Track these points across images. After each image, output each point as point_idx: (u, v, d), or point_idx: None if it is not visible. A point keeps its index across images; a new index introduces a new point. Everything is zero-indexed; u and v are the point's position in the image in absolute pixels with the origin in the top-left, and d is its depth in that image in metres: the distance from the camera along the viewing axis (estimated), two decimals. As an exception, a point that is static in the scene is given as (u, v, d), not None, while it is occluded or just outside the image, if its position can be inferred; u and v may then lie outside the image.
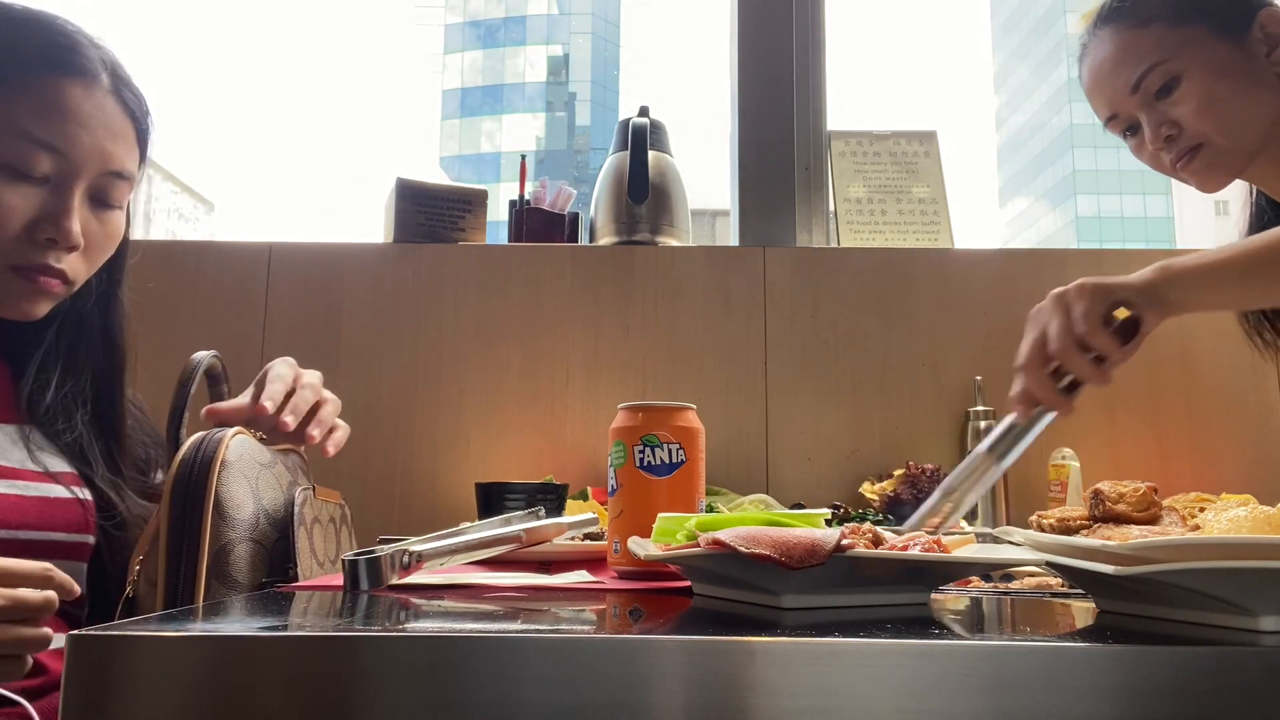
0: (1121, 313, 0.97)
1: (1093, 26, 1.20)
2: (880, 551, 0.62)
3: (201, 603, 0.75)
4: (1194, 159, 1.14)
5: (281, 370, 0.99)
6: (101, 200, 0.94)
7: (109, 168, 0.93)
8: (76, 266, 0.93)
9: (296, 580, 0.80)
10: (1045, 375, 0.96)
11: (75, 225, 0.90)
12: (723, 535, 0.59)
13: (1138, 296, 0.97)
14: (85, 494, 0.93)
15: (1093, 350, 0.94)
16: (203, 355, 0.94)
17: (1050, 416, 0.96)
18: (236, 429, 0.84)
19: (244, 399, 0.96)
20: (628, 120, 1.83)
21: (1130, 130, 1.21)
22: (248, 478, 0.81)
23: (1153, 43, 1.13)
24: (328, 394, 1.04)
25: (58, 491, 0.91)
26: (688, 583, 0.71)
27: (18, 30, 0.90)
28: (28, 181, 0.88)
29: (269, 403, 0.94)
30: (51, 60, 0.89)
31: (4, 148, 0.87)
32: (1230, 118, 1.11)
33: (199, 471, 0.78)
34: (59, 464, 0.94)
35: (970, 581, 0.79)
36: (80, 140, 0.90)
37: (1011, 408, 0.97)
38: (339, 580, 0.71)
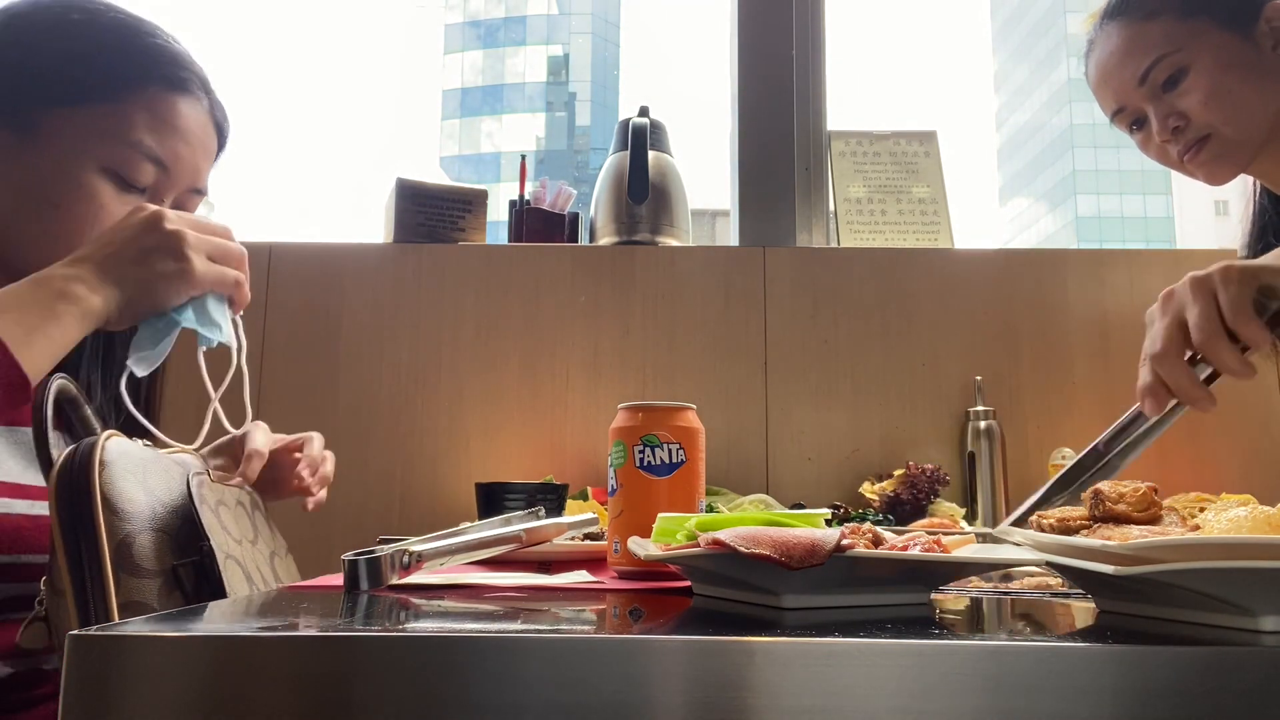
0: None
1: (1100, 21, 1.20)
2: (880, 551, 0.62)
3: (115, 597, 0.73)
4: (1201, 151, 1.14)
5: (318, 450, 1.08)
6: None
7: (196, 184, 0.97)
8: None
9: (213, 554, 0.78)
10: (1185, 366, 0.85)
11: None
12: (723, 535, 0.59)
13: None
14: None
15: (1240, 341, 0.83)
16: (54, 378, 0.85)
17: (1182, 411, 0.87)
18: (110, 431, 0.79)
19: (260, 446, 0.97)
20: (628, 120, 1.83)
21: (1137, 124, 1.20)
22: (133, 473, 0.78)
23: (1160, 35, 1.13)
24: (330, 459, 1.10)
25: None
26: (688, 583, 0.71)
27: (132, 40, 0.93)
28: (129, 190, 0.91)
29: (306, 473, 1.03)
30: (166, 76, 0.93)
31: (119, 157, 0.90)
32: (1237, 109, 1.12)
33: (78, 473, 0.74)
34: None
35: (970, 581, 0.79)
36: (182, 157, 0.94)
37: (1140, 400, 0.87)
38: (339, 580, 0.71)
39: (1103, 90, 1.21)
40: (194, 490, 0.81)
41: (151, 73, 0.92)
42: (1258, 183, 1.25)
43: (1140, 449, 0.87)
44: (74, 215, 0.89)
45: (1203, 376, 0.85)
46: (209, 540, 0.78)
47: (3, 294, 0.78)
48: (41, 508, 0.87)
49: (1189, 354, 0.85)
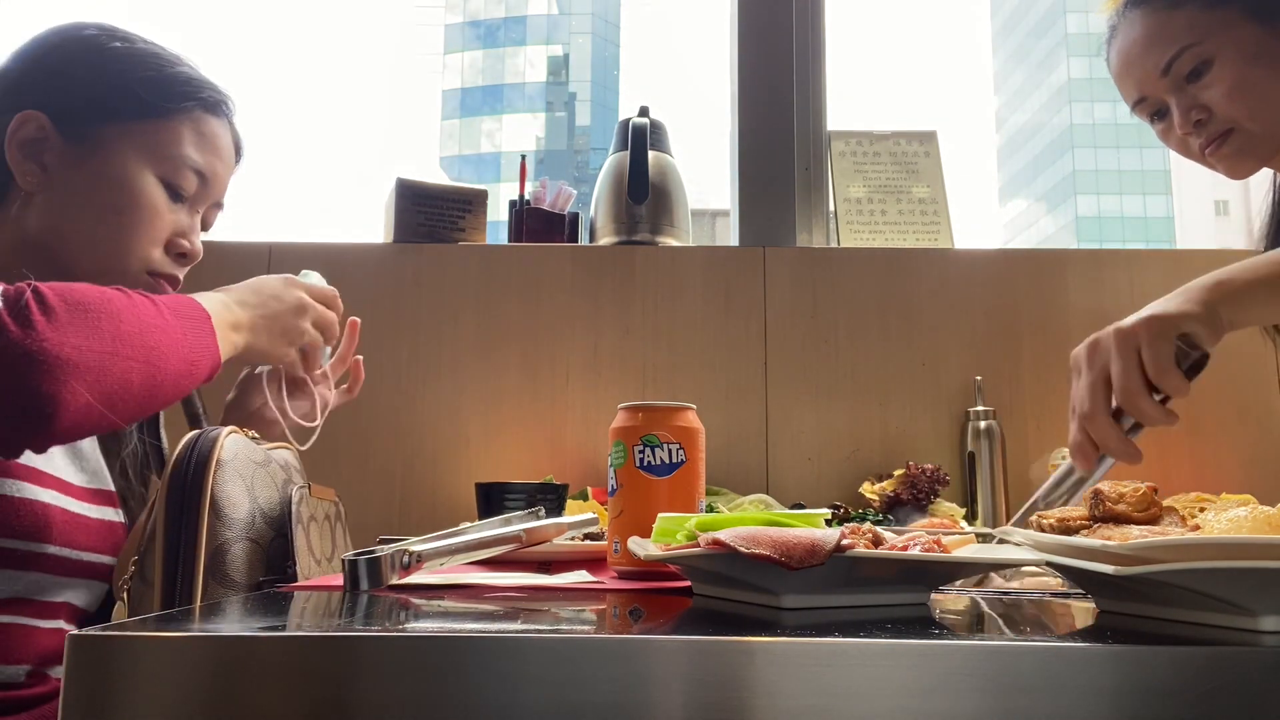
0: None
1: (1122, 8, 1.18)
2: (880, 551, 0.62)
3: (199, 603, 0.75)
4: (1224, 144, 1.12)
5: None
6: (204, 224, 1.08)
7: (221, 198, 1.08)
8: (182, 278, 1.06)
9: (296, 578, 0.80)
10: (1110, 423, 0.88)
11: (198, 241, 1.05)
12: (723, 535, 0.59)
13: (1201, 325, 0.88)
14: (121, 516, 0.98)
15: (1161, 393, 0.86)
16: None
17: (1109, 463, 0.89)
18: (230, 428, 0.85)
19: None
20: (628, 120, 1.82)
21: (1158, 115, 1.19)
22: (243, 477, 0.81)
23: (1184, 24, 1.11)
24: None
25: (110, 515, 0.96)
26: (688, 583, 0.71)
27: (175, 66, 1.03)
28: (179, 200, 1.01)
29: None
30: (205, 99, 1.03)
31: (171, 169, 0.99)
32: (1262, 102, 1.09)
33: (194, 472, 0.78)
34: (108, 480, 0.99)
35: (970, 581, 0.79)
36: (218, 171, 1.05)
37: (1071, 457, 0.90)
38: (339, 580, 0.71)
39: (1124, 79, 1.19)
40: (294, 509, 0.84)
41: (192, 95, 1.02)
42: (1278, 175, 1.23)
43: (1077, 497, 0.90)
44: (133, 219, 0.97)
45: (1127, 428, 0.88)
46: (295, 565, 0.81)
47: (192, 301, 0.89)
48: (75, 505, 0.92)
49: (1114, 407, 0.87)
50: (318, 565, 0.88)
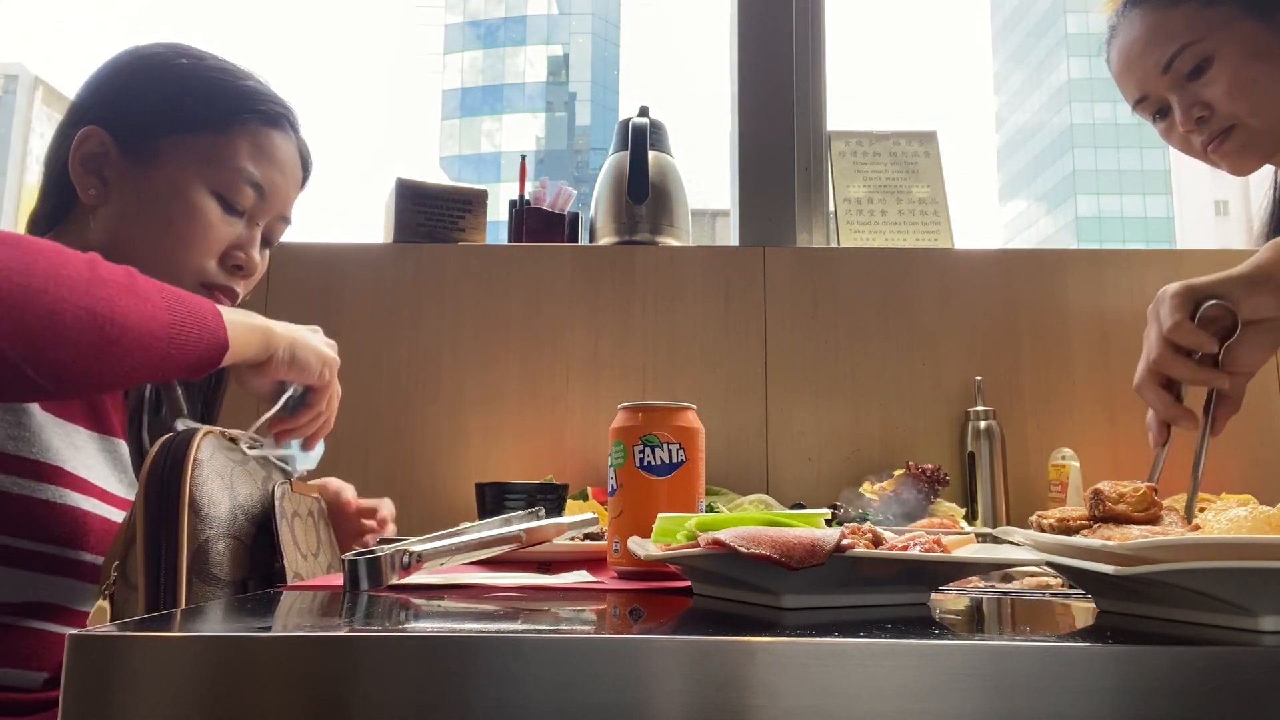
0: None
1: (1122, 8, 1.18)
2: (880, 551, 0.62)
3: (184, 602, 0.74)
4: (1226, 141, 1.13)
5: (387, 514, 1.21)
6: (268, 239, 1.07)
7: (284, 212, 1.06)
8: (242, 292, 1.05)
9: (284, 573, 0.80)
10: (1164, 392, 0.93)
11: (257, 256, 1.03)
12: (723, 535, 0.59)
13: (1233, 286, 0.88)
14: None
15: (1193, 351, 0.89)
16: None
17: (1203, 438, 0.94)
18: (206, 428, 0.84)
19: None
20: (628, 120, 1.83)
21: (1160, 113, 1.19)
22: (221, 476, 0.80)
23: (1184, 23, 1.12)
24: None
25: None
26: (688, 583, 0.71)
27: (236, 81, 1.03)
28: (234, 213, 1.00)
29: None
30: (264, 112, 1.02)
31: (226, 182, 0.99)
32: (1263, 99, 1.10)
33: (171, 471, 0.77)
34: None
35: (970, 581, 0.79)
36: (277, 184, 1.03)
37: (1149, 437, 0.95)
38: (339, 580, 0.71)
39: (1125, 78, 1.19)
40: (276, 503, 0.84)
41: (252, 109, 1.02)
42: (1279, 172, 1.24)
43: (1199, 468, 0.94)
44: (186, 231, 0.97)
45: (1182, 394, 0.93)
46: (282, 560, 0.81)
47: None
48: (113, 513, 0.92)
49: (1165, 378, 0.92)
50: (303, 560, 0.87)
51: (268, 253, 1.08)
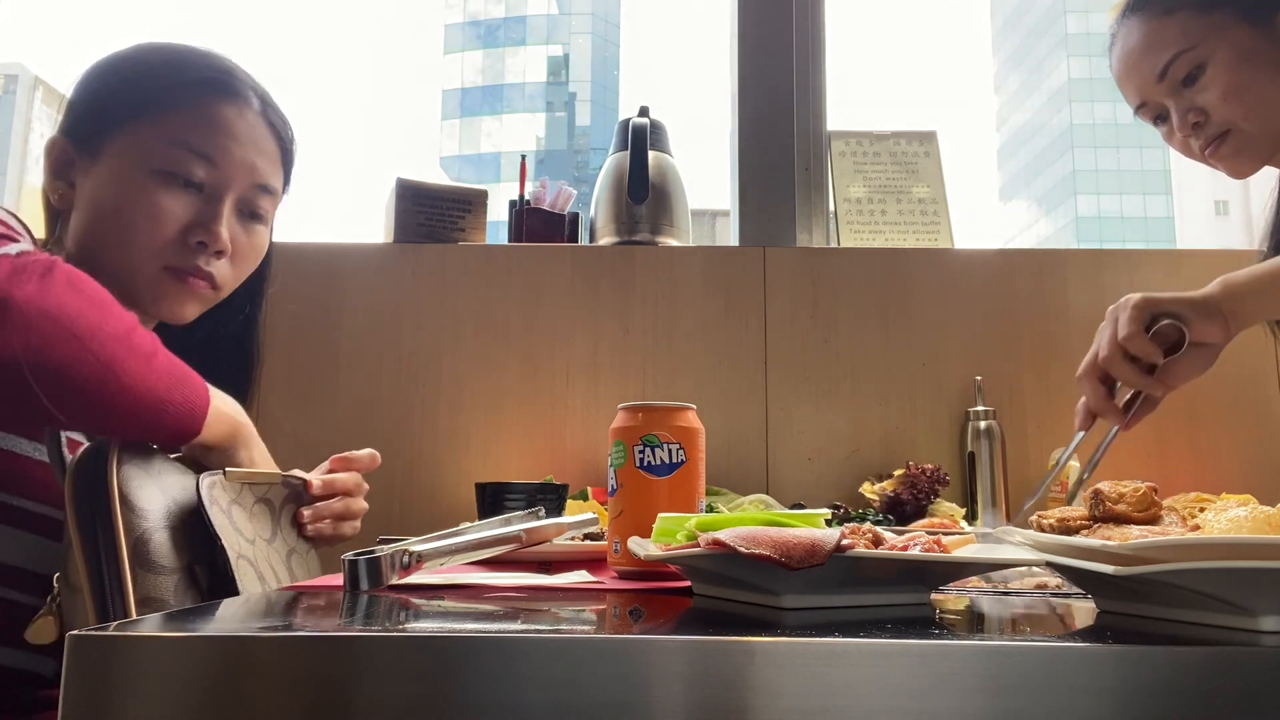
0: None
1: (1121, 16, 1.20)
2: (880, 551, 0.62)
3: (133, 593, 0.73)
4: (1222, 145, 1.15)
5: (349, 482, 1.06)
6: (249, 212, 1.03)
7: (256, 180, 1.02)
8: (224, 273, 1.02)
9: (227, 555, 0.79)
10: (1099, 386, 1.01)
11: (224, 231, 0.99)
12: (723, 535, 0.59)
13: (1189, 309, 0.98)
14: None
15: (1140, 360, 0.98)
16: None
17: (1113, 431, 1.03)
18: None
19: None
20: (628, 120, 1.82)
21: (1160, 118, 1.21)
22: (148, 473, 0.80)
23: (1178, 31, 1.14)
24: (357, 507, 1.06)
25: None
26: (688, 583, 0.71)
27: (181, 62, 1.01)
28: (184, 188, 0.97)
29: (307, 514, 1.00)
30: (210, 86, 1.00)
31: (165, 157, 0.96)
32: (1257, 103, 1.12)
33: (96, 469, 0.76)
34: None
35: (970, 581, 0.79)
36: (232, 152, 0.99)
37: (1074, 421, 1.05)
38: (339, 580, 0.71)
39: (1125, 85, 1.22)
40: (204, 492, 0.83)
41: (201, 87, 1.00)
42: None
43: (1095, 460, 1.07)
44: (132, 215, 0.95)
45: (1127, 400, 1.03)
46: (221, 540, 0.80)
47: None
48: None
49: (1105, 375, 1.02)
50: (251, 544, 0.86)
51: (260, 228, 1.05)
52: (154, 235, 0.96)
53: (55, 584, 0.78)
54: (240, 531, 0.85)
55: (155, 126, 0.97)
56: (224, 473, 0.87)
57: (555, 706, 0.44)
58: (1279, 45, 1.12)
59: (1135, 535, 0.59)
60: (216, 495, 0.84)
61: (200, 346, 1.06)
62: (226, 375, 1.03)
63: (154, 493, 0.79)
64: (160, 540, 0.77)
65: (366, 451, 1.08)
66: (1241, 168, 1.17)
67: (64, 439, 0.83)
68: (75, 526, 0.75)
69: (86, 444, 0.80)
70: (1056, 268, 1.72)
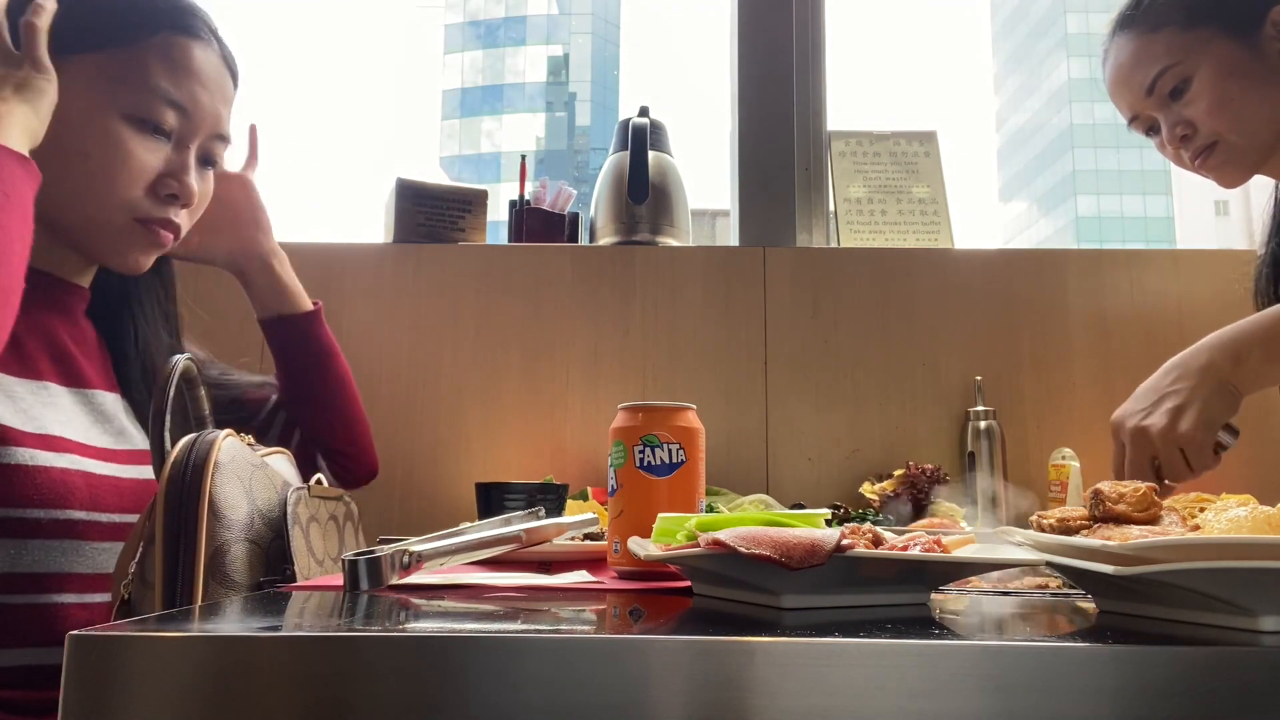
0: None
1: (1112, 32, 1.24)
2: (880, 551, 0.62)
3: (200, 603, 0.75)
4: (1210, 156, 1.17)
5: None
6: (207, 160, 1.00)
7: (218, 130, 0.99)
8: (184, 221, 0.99)
9: (294, 579, 0.80)
10: (1150, 473, 1.12)
11: (193, 182, 0.96)
12: (723, 535, 0.59)
13: (1232, 411, 1.12)
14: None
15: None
16: (179, 358, 0.92)
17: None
18: (227, 431, 0.84)
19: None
20: (628, 120, 1.82)
21: (1152, 129, 1.24)
22: (241, 479, 0.81)
23: (1163, 47, 1.17)
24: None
25: (147, 474, 0.94)
26: (688, 583, 0.71)
27: None
28: (153, 135, 0.93)
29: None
30: (177, 22, 0.95)
31: (139, 102, 0.92)
32: (1242, 115, 1.14)
33: (193, 474, 0.77)
34: (138, 440, 0.98)
35: (970, 581, 0.79)
36: (201, 101, 0.96)
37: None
38: (339, 580, 0.71)
39: (1117, 99, 1.25)
40: (290, 509, 0.84)
41: (160, 19, 0.95)
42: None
43: None
44: (104, 163, 0.91)
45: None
46: (293, 565, 0.81)
47: None
48: (99, 466, 0.91)
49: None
50: (319, 566, 0.87)
51: (210, 175, 1.02)
52: (129, 186, 0.92)
53: (130, 571, 0.78)
54: (313, 552, 0.87)
55: (123, 62, 0.92)
56: (309, 488, 0.88)
57: (555, 706, 0.44)
58: (1262, 59, 1.15)
59: (1135, 535, 0.59)
60: (299, 513, 0.85)
61: (135, 303, 1.06)
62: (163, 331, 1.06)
63: (241, 501, 0.80)
64: (238, 553, 0.78)
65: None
66: (1230, 178, 1.20)
67: (167, 423, 0.83)
68: (162, 526, 0.76)
69: (188, 438, 0.80)
70: (1056, 268, 1.72)
